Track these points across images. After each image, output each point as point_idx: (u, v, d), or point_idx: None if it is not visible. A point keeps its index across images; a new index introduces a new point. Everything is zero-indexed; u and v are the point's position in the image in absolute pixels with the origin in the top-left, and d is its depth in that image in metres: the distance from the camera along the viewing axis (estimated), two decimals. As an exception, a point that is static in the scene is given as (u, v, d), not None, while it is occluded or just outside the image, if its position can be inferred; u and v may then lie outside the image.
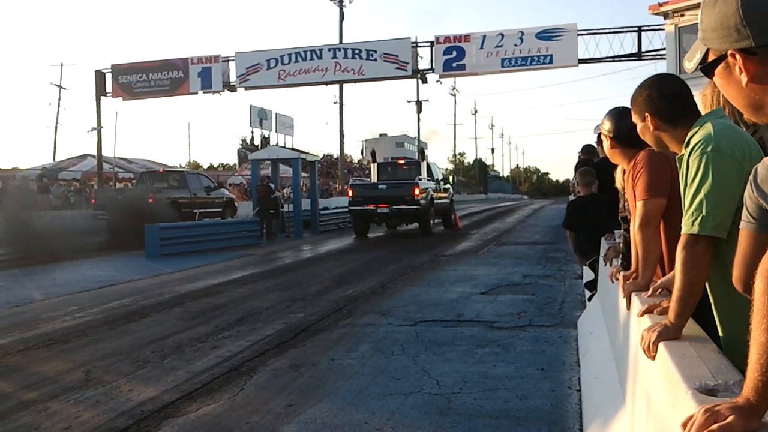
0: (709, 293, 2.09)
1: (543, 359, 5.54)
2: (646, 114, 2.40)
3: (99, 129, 26.54)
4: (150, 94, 26.20)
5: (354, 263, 13.11)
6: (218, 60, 24.97)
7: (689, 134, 2.17)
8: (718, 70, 1.29)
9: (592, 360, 4.67)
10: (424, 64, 23.63)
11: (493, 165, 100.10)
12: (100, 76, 26.37)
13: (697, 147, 2.05)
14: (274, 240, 19.36)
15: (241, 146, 47.10)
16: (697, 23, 1.35)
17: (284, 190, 23.05)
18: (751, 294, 1.18)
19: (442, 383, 4.89)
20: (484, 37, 22.49)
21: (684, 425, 1.27)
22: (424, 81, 25.44)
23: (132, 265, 13.27)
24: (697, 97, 2.42)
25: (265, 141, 44.54)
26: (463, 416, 4.19)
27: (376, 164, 21.98)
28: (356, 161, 58.11)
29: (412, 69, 23.41)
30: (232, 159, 53.70)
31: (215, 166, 64.53)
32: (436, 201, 20.52)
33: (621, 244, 4.08)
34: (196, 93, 25.55)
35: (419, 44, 23.48)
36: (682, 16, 19.11)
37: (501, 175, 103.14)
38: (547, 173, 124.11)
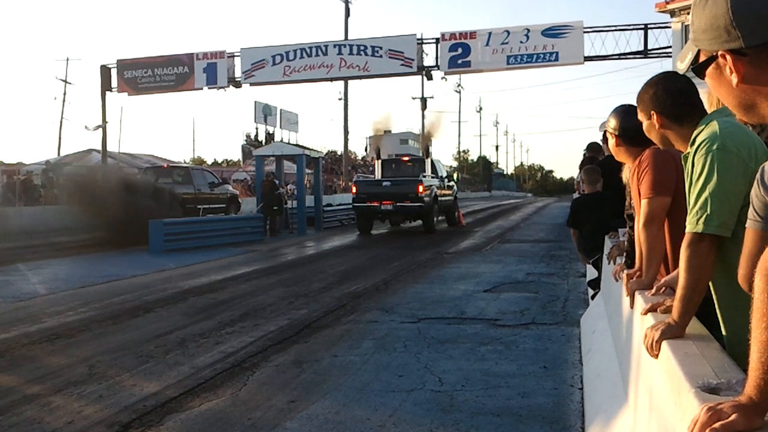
0: (712, 292, 2.08)
1: (546, 357, 5.53)
2: (652, 112, 2.39)
3: (104, 124, 26.60)
4: (155, 89, 26.22)
5: (357, 260, 13.11)
6: (223, 56, 24.98)
7: (695, 132, 2.16)
8: (709, 70, 1.30)
9: (594, 358, 4.66)
10: (429, 60, 23.59)
11: (497, 162, 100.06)
12: (105, 71, 26.40)
13: (702, 145, 2.05)
14: (278, 236, 19.38)
15: (245, 142, 47.19)
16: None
17: (288, 187, 23.07)
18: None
19: (444, 380, 4.89)
20: (490, 34, 22.44)
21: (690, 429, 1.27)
22: (429, 78, 25.39)
23: (135, 260, 13.30)
24: (703, 96, 2.42)
25: (270, 137, 44.61)
26: (466, 413, 4.19)
27: (380, 161, 21.97)
28: (360, 158, 58.12)
29: (417, 66, 23.37)
30: (236, 155, 53.78)
31: (219, 161, 64.58)
32: (440, 198, 20.51)
33: (625, 242, 4.08)
34: (201, 88, 25.57)
35: (424, 41, 23.44)
36: (689, 14, 19.02)
37: (505, 172, 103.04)
38: (551, 171, 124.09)
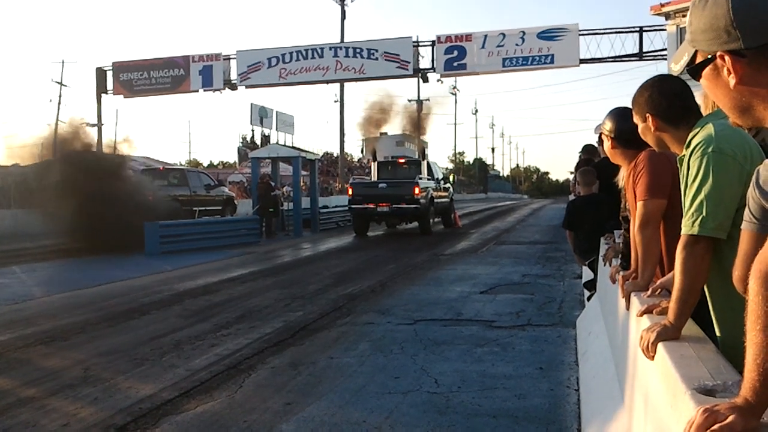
0: (707, 294, 2.09)
1: (542, 359, 5.54)
2: (648, 114, 2.40)
3: (99, 126, 26.55)
4: (151, 91, 26.21)
5: (353, 262, 13.11)
6: (219, 58, 24.99)
7: (690, 135, 2.17)
8: (706, 72, 1.30)
9: (590, 360, 4.67)
10: (425, 63, 23.64)
11: (493, 164, 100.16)
12: (101, 73, 26.38)
13: (698, 148, 2.05)
14: (274, 238, 19.37)
15: (241, 144, 47.11)
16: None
17: (284, 189, 23.04)
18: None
19: (440, 382, 4.89)
20: (486, 36, 22.50)
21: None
22: (425, 80, 25.46)
23: (131, 262, 13.27)
24: (699, 98, 2.42)
25: (266, 139, 44.49)
26: (462, 415, 4.19)
27: (376, 163, 21.98)
28: (356, 160, 58.08)
29: (413, 68, 23.42)
30: (232, 157, 53.73)
31: (215, 164, 64.55)
32: (436, 200, 20.52)
33: (621, 244, 4.08)
34: (197, 91, 25.57)
35: (420, 43, 23.49)
36: (684, 16, 19.10)
37: (501, 174, 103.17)
38: (547, 173, 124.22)
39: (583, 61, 21.81)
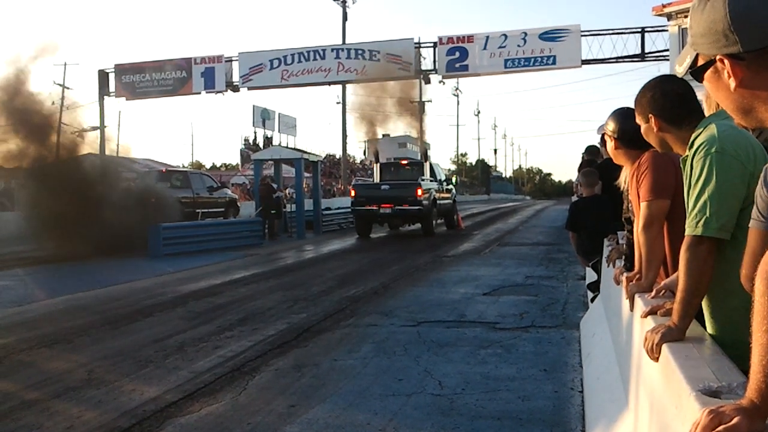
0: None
1: (545, 360, 5.53)
2: (650, 115, 2.40)
3: (102, 128, 26.59)
4: (153, 93, 26.25)
5: (356, 263, 13.11)
6: (221, 60, 25.03)
7: (693, 135, 2.17)
8: (708, 74, 1.30)
9: (594, 361, 4.66)
10: (427, 64, 23.65)
11: (495, 166, 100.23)
12: (103, 75, 26.44)
13: (701, 148, 2.05)
14: (277, 240, 19.37)
15: (243, 146, 47.22)
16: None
17: (287, 191, 23.06)
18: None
19: (444, 384, 4.88)
20: (488, 37, 22.50)
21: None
22: (427, 81, 25.46)
23: (134, 265, 13.28)
24: (702, 99, 2.42)
25: (268, 141, 44.66)
26: (466, 417, 4.19)
27: (379, 165, 21.99)
28: (359, 161, 58.13)
29: (415, 69, 23.43)
30: (235, 159, 53.87)
31: (218, 166, 64.65)
32: (438, 202, 20.51)
33: (624, 245, 4.08)
34: (199, 93, 25.63)
35: (422, 45, 23.51)
36: (686, 17, 19.09)
37: (503, 176, 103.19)
38: (549, 174, 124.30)
39: (585, 62, 21.81)
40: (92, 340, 6.58)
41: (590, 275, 7.17)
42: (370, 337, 6.49)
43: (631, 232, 3.55)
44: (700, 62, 1.31)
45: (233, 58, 24.99)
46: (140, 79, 25.96)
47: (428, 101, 41.80)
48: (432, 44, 23.24)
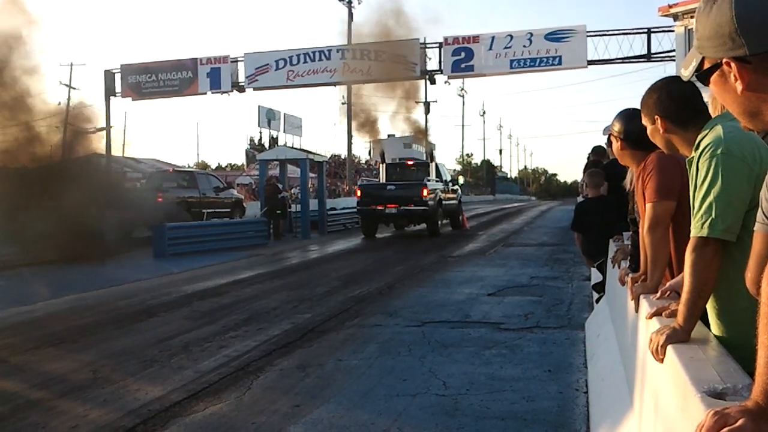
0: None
1: (550, 361, 5.52)
2: (656, 116, 2.39)
3: (108, 129, 26.65)
4: (159, 94, 26.26)
5: (361, 264, 13.11)
6: (227, 60, 25.02)
7: (699, 137, 2.16)
8: (714, 77, 1.30)
9: (599, 362, 4.65)
10: (432, 65, 23.60)
11: (501, 166, 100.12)
12: (109, 76, 26.46)
13: (706, 150, 2.05)
14: (282, 240, 19.39)
15: (249, 146, 47.26)
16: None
17: (292, 191, 23.09)
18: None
19: (448, 384, 4.88)
20: (493, 38, 22.44)
21: None
22: (433, 82, 25.38)
23: (139, 264, 13.32)
24: (707, 100, 2.41)
25: (273, 141, 44.67)
26: (470, 417, 4.19)
27: (384, 165, 21.99)
28: (364, 162, 58.13)
29: (421, 70, 23.38)
30: (240, 159, 53.87)
31: (223, 166, 64.70)
32: (444, 202, 20.51)
33: (630, 246, 4.07)
34: (205, 93, 25.59)
35: (428, 45, 23.44)
36: (692, 17, 19.04)
37: (509, 176, 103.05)
38: (555, 174, 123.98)
39: (590, 62, 21.72)
40: (97, 340, 6.60)
41: (595, 276, 7.16)
42: (374, 338, 6.49)
43: (636, 233, 3.55)
44: (706, 65, 1.31)
45: (239, 59, 24.99)
46: (146, 80, 25.98)
47: (434, 101, 41.76)
48: (437, 45, 23.20)
